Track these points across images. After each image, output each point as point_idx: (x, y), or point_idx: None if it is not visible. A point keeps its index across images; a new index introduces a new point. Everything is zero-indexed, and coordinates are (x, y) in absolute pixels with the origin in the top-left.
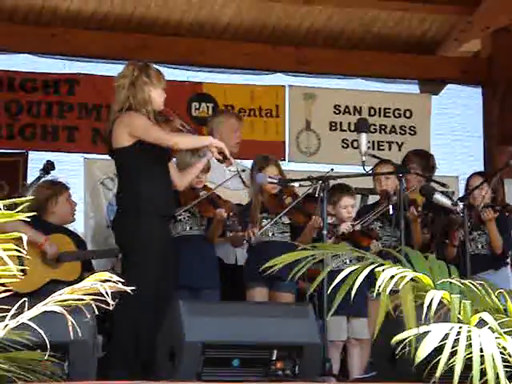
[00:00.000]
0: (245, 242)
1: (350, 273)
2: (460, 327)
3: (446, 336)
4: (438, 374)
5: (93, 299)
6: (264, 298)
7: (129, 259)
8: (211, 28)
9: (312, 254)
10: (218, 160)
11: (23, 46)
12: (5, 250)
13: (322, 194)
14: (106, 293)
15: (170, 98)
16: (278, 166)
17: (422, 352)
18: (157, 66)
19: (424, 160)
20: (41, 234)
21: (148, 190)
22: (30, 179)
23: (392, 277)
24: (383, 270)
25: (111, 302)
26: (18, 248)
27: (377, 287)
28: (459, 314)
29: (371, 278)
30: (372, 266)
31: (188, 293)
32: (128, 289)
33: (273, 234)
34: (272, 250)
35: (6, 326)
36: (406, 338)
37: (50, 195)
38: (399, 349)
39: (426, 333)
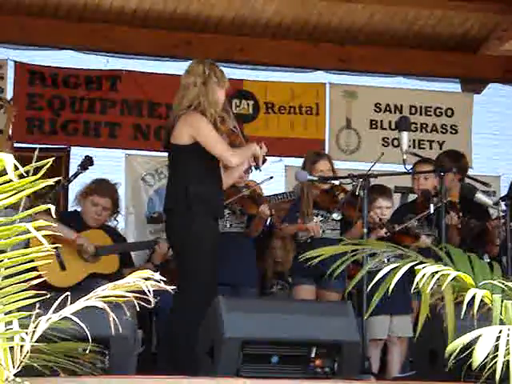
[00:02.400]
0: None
1: (390, 272)
2: (509, 329)
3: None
4: (496, 377)
5: (136, 296)
6: (311, 296)
7: (181, 258)
8: (252, 25)
9: (353, 248)
10: (251, 166)
11: (66, 42)
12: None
13: (362, 192)
14: (149, 290)
15: None
16: (330, 161)
17: (479, 356)
18: None
19: (456, 161)
20: (72, 231)
21: (201, 188)
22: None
23: (433, 275)
24: (424, 267)
25: (153, 300)
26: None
27: (415, 284)
28: (501, 314)
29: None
30: (412, 263)
31: (226, 290)
32: (169, 288)
33: (323, 231)
34: (322, 247)
35: (48, 320)
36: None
37: (80, 194)
38: (451, 358)
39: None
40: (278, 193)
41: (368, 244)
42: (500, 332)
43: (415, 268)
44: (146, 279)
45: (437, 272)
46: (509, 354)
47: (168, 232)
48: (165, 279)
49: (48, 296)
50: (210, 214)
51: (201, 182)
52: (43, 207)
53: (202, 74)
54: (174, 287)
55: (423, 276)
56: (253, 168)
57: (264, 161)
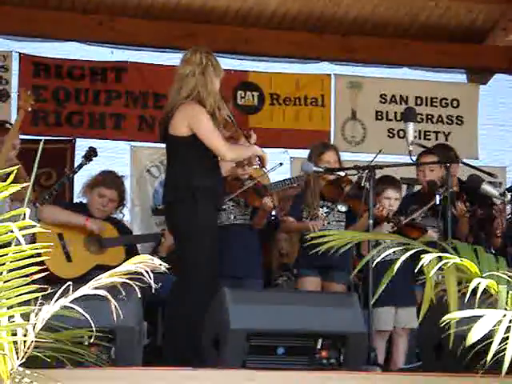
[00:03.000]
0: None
1: (393, 263)
2: None
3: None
4: (504, 367)
5: (136, 283)
6: (316, 288)
7: (184, 247)
8: (257, 16)
9: (359, 238)
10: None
11: (71, 33)
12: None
13: (367, 184)
14: (148, 275)
15: None
16: (336, 153)
17: (473, 335)
18: None
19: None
20: (81, 216)
21: (203, 179)
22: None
23: (438, 260)
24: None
25: (154, 285)
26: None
27: (418, 266)
28: (506, 304)
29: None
30: (416, 249)
31: (231, 282)
32: (163, 268)
33: (328, 223)
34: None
35: (50, 310)
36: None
37: (87, 185)
38: (446, 333)
39: (471, 319)
40: (285, 178)
41: (375, 235)
42: (504, 316)
43: (421, 256)
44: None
45: (441, 259)
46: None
47: (170, 223)
48: (166, 265)
49: (52, 288)
50: (213, 205)
51: (203, 173)
52: (20, 211)
53: (200, 63)
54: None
55: (428, 262)
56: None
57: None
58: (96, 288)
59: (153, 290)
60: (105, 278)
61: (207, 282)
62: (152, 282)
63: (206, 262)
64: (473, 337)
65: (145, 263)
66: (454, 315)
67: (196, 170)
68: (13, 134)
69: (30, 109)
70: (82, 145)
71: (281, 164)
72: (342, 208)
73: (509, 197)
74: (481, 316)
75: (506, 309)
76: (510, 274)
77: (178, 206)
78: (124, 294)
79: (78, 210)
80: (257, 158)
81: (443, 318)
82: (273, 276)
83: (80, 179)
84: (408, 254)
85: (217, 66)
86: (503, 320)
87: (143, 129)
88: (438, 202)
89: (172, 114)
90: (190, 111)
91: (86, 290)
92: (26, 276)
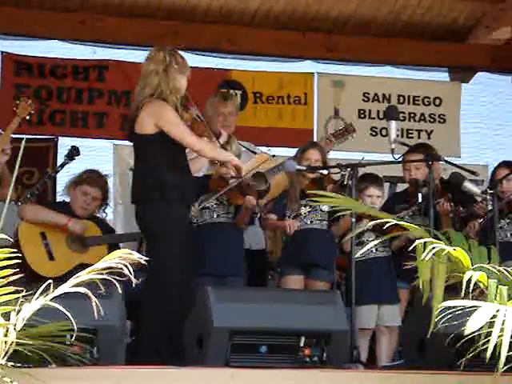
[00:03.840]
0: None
1: (376, 261)
2: (506, 310)
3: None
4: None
5: (116, 278)
6: (300, 286)
7: (155, 246)
8: (240, 15)
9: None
10: (232, 176)
11: (53, 32)
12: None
13: (350, 182)
14: (129, 270)
15: (199, 84)
16: (320, 151)
17: (471, 326)
18: (185, 53)
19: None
20: (63, 216)
21: (173, 178)
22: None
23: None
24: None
25: (135, 280)
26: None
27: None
28: (495, 298)
29: (403, 268)
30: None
31: (213, 280)
32: (142, 260)
33: (311, 222)
34: (310, 237)
35: (32, 308)
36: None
37: (70, 183)
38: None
39: (454, 316)
40: (275, 165)
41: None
42: (497, 311)
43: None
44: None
45: (433, 247)
46: (502, 334)
47: (139, 222)
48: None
49: (35, 287)
50: (183, 202)
51: (171, 171)
52: None
53: (163, 61)
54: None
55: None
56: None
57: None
58: (76, 285)
59: (133, 285)
60: (84, 275)
61: (176, 280)
62: (132, 277)
63: (175, 261)
64: (470, 328)
65: (124, 258)
66: (447, 304)
67: (164, 168)
68: (4, 139)
69: (27, 117)
70: (64, 143)
71: (273, 156)
72: (325, 207)
73: (490, 195)
74: (468, 308)
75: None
76: (500, 268)
77: (147, 205)
78: (105, 290)
79: (60, 209)
80: (233, 168)
81: (438, 305)
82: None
83: (63, 178)
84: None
85: (182, 64)
86: (497, 315)
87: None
88: (419, 200)
89: (137, 113)
90: (156, 109)
91: (66, 288)
92: (7, 276)
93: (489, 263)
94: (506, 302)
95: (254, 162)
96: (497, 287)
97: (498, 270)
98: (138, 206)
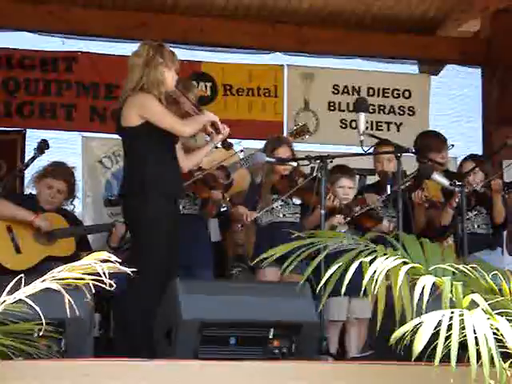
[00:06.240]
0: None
1: (344, 254)
2: (452, 312)
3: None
4: (436, 360)
5: (92, 279)
6: (275, 278)
7: (137, 239)
8: (210, 6)
9: (310, 242)
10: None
11: (21, 23)
12: None
13: (319, 174)
14: (104, 273)
15: None
16: (290, 147)
17: (419, 342)
18: None
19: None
20: (29, 212)
21: (154, 170)
22: (28, 158)
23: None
24: (373, 258)
25: (109, 281)
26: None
27: (364, 282)
28: (452, 296)
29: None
30: (360, 260)
31: (180, 271)
32: (128, 270)
33: (284, 215)
34: (283, 230)
35: (3, 302)
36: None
37: (35, 176)
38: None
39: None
40: (244, 157)
41: (325, 236)
42: (442, 316)
43: (362, 262)
44: (103, 261)
45: (385, 266)
46: (450, 336)
47: (124, 215)
48: (119, 260)
49: (2, 280)
50: (166, 196)
51: (156, 163)
52: None
53: (146, 55)
54: (134, 269)
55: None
56: (219, 144)
57: (229, 144)
58: (54, 280)
59: (108, 287)
60: (64, 272)
61: (158, 274)
62: (111, 281)
63: (156, 255)
64: (419, 342)
65: (105, 262)
66: (404, 328)
67: (148, 161)
68: None
69: None
70: (33, 135)
71: (242, 151)
72: (296, 201)
73: (458, 187)
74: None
75: (451, 300)
76: (456, 266)
77: (130, 198)
78: (76, 286)
79: (28, 202)
80: (210, 124)
81: (398, 331)
82: (227, 267)
83: (30, 171)
84: (355, 265)
85: (168, 58)
86: (443, 319)
87: (94, 119)
88: (388, 192)
89: (122, 107)
90: (137, 100)
91: (43, 284)
92: None
93: (443, 260)
94: (461, 299)
95: (220, 155)
96: (452, 285)
97: (456, 268)
98: (123, 200)
